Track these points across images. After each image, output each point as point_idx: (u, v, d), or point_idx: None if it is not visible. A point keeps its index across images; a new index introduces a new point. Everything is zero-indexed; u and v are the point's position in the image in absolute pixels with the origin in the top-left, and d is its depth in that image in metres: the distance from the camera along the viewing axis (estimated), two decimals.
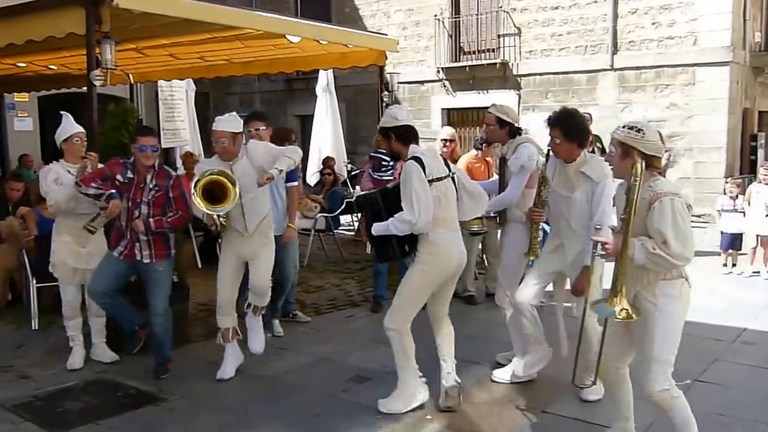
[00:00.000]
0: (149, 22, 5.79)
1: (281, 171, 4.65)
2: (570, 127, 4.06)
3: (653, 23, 13.42)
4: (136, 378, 4.75)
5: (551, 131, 4.11)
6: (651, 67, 13.48)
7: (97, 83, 5.17)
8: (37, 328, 5.86)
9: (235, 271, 4.82)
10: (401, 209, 3.86)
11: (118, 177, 4.67)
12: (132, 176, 4.68)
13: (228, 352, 4.85)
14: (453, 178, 4.11)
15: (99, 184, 4.62)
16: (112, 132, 5.32)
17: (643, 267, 3.18)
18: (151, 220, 4.65)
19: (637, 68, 13.63)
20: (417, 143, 4.08)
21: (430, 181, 3.90)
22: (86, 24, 4.99)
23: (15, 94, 13.06)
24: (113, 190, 4.60)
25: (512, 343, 4.74)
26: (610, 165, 3.53)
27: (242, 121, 4.79)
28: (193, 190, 4.37)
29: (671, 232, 3.08)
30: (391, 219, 3.91)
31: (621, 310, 3.17)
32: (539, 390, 4.51)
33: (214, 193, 4.42)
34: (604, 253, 3.27)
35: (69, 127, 5.00)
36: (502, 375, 4.67)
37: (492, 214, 4.78)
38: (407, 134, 4.06)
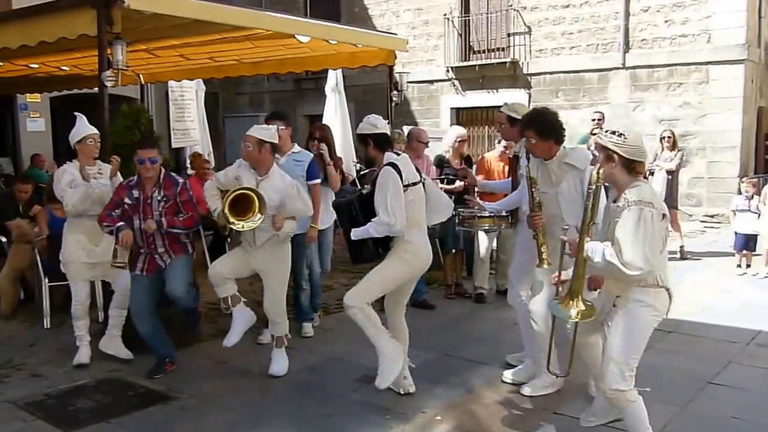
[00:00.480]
0: (160, 23, 5.81)
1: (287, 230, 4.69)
2: (543, 126, 4.15)
3: (666, 21, 13.32)
4: (147, 377, 4.76)
5: (525, 132, 4.19)
6: (664, 66, 13.38)
7: (108, 84, 5.19)
8: (49, 326, 5.89)
9: (236, 264, 4.76)
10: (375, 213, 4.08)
11: (126, 200, 4.71)
12: (138, 195, 4.71)
13: (235, 317, 4.74)
14: (423, 184, 4.36)
15: (110, 221, 4.67)
16: (124, 132, 5.34)
17: (611, 274, 3.30)
18: (163, 219, 4.67)
19: (650, 66, 13.53)
20: (391, 151, 4.32)
21: (405, 186, 4.13)
22: (98, 25, 5.01)
23: (27, 94, 13.16)
24: (120, 223, 4.64)
25: (524, 344, 4.71)
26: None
27: (276, 134, 4.77)
28: (225, 199, 4.40)
29: (628, 240, 3.15)
30: (369, 223, 4.10)
31: (577, 313, 3.33)
32: None
33: (240, 203, 4.44)
34: (570, 252, 3.41)
35: (83, 128, 5.03)
36: (512, 376, 4.64)
37: (504, 213, 4.75)
38: (384, 142, 4.31)
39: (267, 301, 4.76)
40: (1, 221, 7.00)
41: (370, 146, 4.29)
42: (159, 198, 4.71)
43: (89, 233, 4.96)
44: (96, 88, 5.34)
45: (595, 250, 3.25)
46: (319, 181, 5.57)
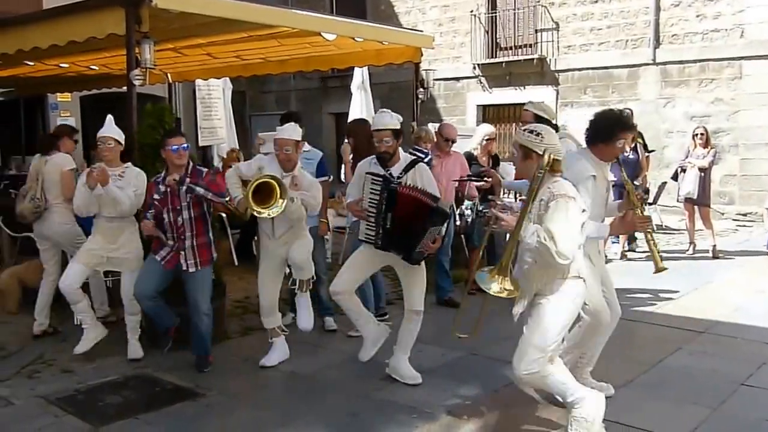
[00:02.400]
0: (187, 22, 5.85)
1: (298, 199, 4.72)
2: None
3: (697, 15, 13.08)
4: (174, 373, 4.80)
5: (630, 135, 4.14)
6: (695, 61, 13.15)
7: (136, 83, 5.24)
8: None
9: (275, 272, 4.94)
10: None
11: (155, 197, 4.77)
12: (165, 189, 4.75)
13: (276, 345, 4.98)
14: None
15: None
16: (149, 131, 5.38)
17: (542, 266, 3.44)
18: (188, 179, 4.71)
19: (681, 62, 13.31)
20: (412, 148, 4.74)
21: None
22: (126, 24, 5.05)
23: (58, 94, 13.37)
24: (146, 213, 4.77)
25: None
26: (513, 165, 3.83)
27: (300, 130, 4.91)
28: (249, 187, 4.47)
29: (561, 231, 3.29)
30: None
31: (500, 288, 3.43)
32: None
33: (261, 193, 4.52)
34: (496, 227, 3.53)
35: (101, 129, 5.11)
36: None
37: None
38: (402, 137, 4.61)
39: (295, 254, 4.83)
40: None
41: (399, 141, 4.51)
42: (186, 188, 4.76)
43: (104, 234, 5.04)
44: (125, 87, 5.39)
45: (529, 230, 3.36)
46: (326, 178, 5.78)
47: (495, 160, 6.90)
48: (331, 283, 4.73)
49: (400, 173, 4.49)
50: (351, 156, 5.94)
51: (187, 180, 4.71)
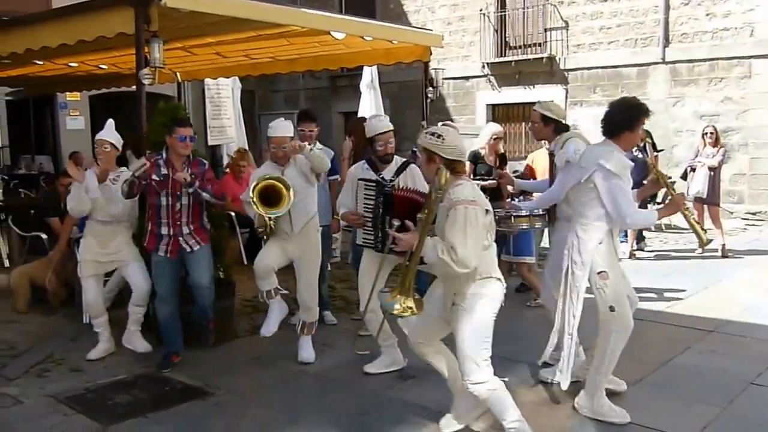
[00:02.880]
0: (196, 21, 5.85)
1: (311, 149, 4.82)
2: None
3: (707, 14, 13.01)
4: (183, 373, 4.82)
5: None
6: (704, 60, 13.07)
7: (146, 82, 5.24)
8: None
9: (278, 254, 4.94)
10: None
11: (154, 177, 4.77)
12: (166, 172, 4.77)
13: (271, 309, 4.97)
14: None
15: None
16: (160, 129, 5.39)
17: (449, 276, 3.43)
18: (197, 182, 4.74)
19: (690, 61, 13.23)
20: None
21: None
22: (135, 23, 5.06)
23: (67, 93, 13.43)
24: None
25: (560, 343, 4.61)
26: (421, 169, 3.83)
27: (292, 126, 4.99)
28: (250, 194, 4.56)
29: (459, 239, 3.29)
30: None
31: (404, 308, 3.41)
32: None
33: (270, 197, 4.62)
34: (394, 246, 3.50)
35: (100, 132, 5.20)
36: (549, 375, 4.57)
37: (540, 212, 4.69)
38: None
39: (302, 288, 4.95)
40: (42, 218, 7.15)
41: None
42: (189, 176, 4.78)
43: (98, 237, 5.09)
44: (134, 87, 5.40)
45: (428, 245, 3.34)
46: (337, 177, 5.87)
47: (502, 159, 6.87)
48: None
49: (393, 176, 4.55)
50: (351, 153, 5.98)
51: (197, 183, 4.73)
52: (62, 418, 4.13)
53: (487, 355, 3.48)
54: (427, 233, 3.38)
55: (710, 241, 4.02)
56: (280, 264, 4.98)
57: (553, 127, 4.61)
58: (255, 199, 4.56)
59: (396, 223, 3.68)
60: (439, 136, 3.48)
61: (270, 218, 4.68)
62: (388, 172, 4.59)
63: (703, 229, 4.08)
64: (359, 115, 11.28)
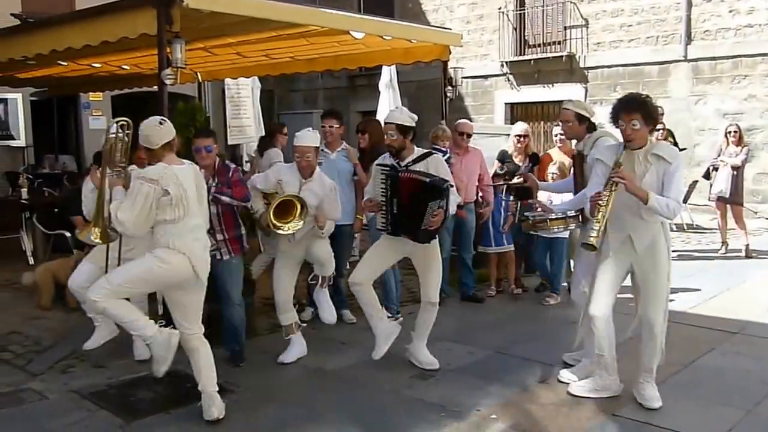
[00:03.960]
0: (217, 22, 5.89)
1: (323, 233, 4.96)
2: (650, 112, 3.99)
3: (730, 11, 12.85)
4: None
5: (630, 116, 3.93)
6: (727, 57, 12.91)
7: (167, 82, 5.29)
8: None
9: (291, 269, 5.02)
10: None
11: None
12: None
13: (293, 342, 5.05)
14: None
15: None
16: (181, 129, 5.43)
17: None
18: (213, 187, 4.73)
19: (713, 59, 13.08)
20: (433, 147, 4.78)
21: None
22: (158, 24, 5.11)
23: (90, 93, 13.58)
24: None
25: (584, 342, 4.58)
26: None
27: (318, 136, 5.00)
28: (271, 210, 4.61)
29: (127, 203, 3.81)
30: None
31: (93, 237, 4.13)
32: None
33: (281, 206, 4.66)
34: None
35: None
36: (569, 376, 4.54)
37: (573, 213, 4.60)
38: (414, 136, 4.69)
39: (318, 248, 4.99)
40: (67, 217, 7.23)
41: (410, 137, 4.65)
42: (214, 185, 4.79)
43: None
44: (156, 87, 5.46)
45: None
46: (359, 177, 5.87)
47: (533, 159, 6.76)
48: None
49: (409, 162, 4.58)
50: (357, 155, 5.98)
51: (213, 188, 4.73)
52: (86, 413, 4.18)
53: (119, 291, 3.87)
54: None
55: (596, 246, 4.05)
56: (294, 277, 5.07)
57: (587, 126, 4.60)
58: (271, 210, 4.60)
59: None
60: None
61: (274, 227, 4.69)
62: (406, 160, 4.62)
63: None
64: (378, 114, 11.30)
